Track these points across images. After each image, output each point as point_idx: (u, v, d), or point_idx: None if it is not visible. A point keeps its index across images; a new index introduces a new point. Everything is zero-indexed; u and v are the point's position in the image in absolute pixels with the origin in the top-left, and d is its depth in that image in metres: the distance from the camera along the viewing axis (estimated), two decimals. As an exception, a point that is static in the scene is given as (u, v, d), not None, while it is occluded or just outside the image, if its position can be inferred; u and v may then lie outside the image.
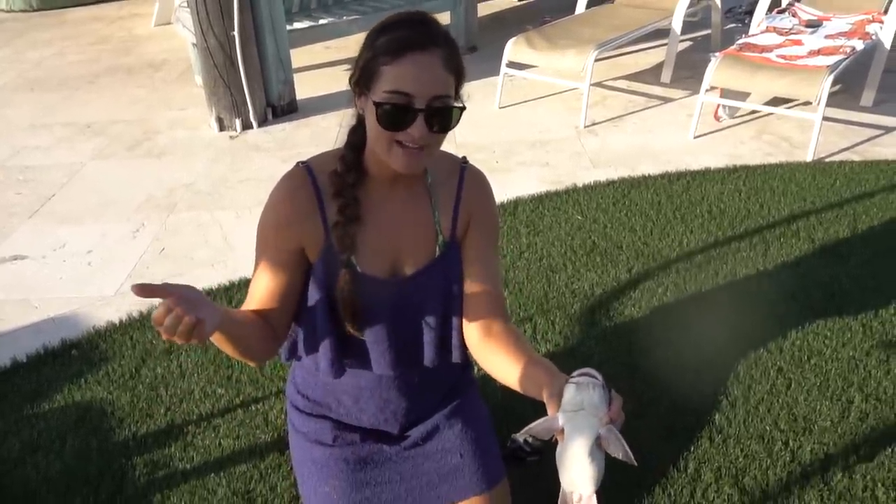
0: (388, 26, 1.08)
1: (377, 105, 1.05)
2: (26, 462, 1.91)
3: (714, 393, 2.08)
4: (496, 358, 1.18)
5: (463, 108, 1.11)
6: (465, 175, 1.26)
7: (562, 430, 0.93)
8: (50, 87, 4.96)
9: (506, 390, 2.10)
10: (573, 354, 2.26)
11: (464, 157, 1.30)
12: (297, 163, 1.21)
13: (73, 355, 2.32)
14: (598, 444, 0.92)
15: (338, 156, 1.19)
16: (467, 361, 1.50)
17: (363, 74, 1.08)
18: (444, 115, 1.08)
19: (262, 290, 1.20)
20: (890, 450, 1.86)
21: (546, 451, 1.88)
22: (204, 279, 2.71)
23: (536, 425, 0.95)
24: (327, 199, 1.17)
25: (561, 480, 0.95)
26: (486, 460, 1.34)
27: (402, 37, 1.05)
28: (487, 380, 2.17)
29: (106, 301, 2.62)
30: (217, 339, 1.10)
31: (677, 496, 1.76)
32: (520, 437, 1.89)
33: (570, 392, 0.93)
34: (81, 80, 5.10)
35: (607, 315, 2.45)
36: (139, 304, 2.57)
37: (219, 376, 2.22)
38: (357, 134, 1.17)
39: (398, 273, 1.23)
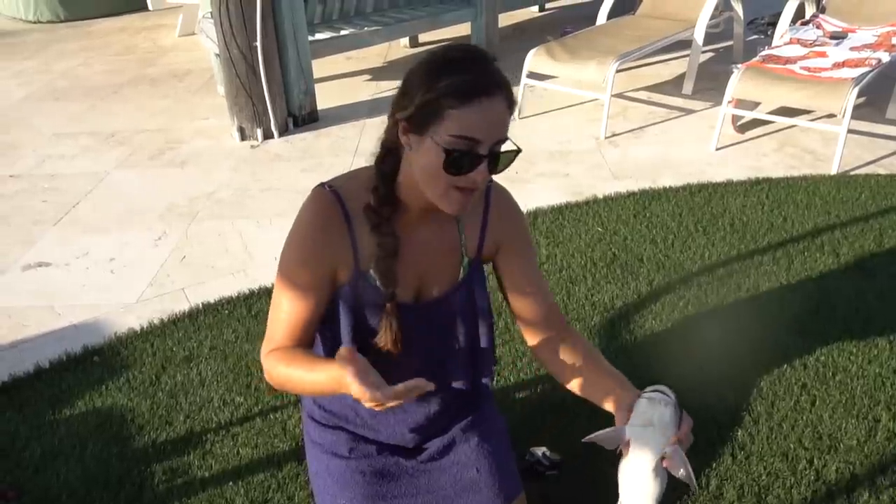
0: (449, 64, 1.04)
1: (446, 151, 1.02)
2: (47, 467, 1.93)
3: (736, 409, 2.05)
4: (563, 363, 1.20)
5: (519, 151, 1.10)
6: (491, 194, 1.26)
7: (627, 444, 0.92)
8: (76, 97, 5.04)
9: (523, 404, 2.10)
10: (593, 367, 2.23)
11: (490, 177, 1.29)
12: (324, 186, 1.18)
13: (95, 362, 2.34)
14: (661, 463, 0.91)
15: (364, 182, 1.16)
16: (492, 363, 1.50)
17: (421, 113, 1.04)
18: (506, 161, 1.08)
19: (298, 321, 1.19)
20: (918, 470, 1.82)
21: (565, 466, 1.86)
22: (224, 288, 2.73)
23: (603, 434, 0.95)
24: (357, 226, 1.16)
25: (620, 493, 0.95)
26: (503, 475, 1.33)
27: (471, 81, 1.01)
28: (506, 392, 2.17)
29: (127, 308, 2.65)
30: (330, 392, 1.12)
31: (699, 514, 1.73)
32: (538, 451, 1.88)
33: (641, 406, 0.93)
34: (106, 90, 5.18)
35: (627, 328, 2.43)
36: (160, 312, 2.59)
37: (238, 385, 2.22)
38: (388, 164, 1.15)
39: (423, 296, 1.23)
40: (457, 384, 1.30)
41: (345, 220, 1.16)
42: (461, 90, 1.01)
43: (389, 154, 1.14)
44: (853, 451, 1.88)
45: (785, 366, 2.20)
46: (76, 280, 2.85)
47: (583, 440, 1.00)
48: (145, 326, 2.52)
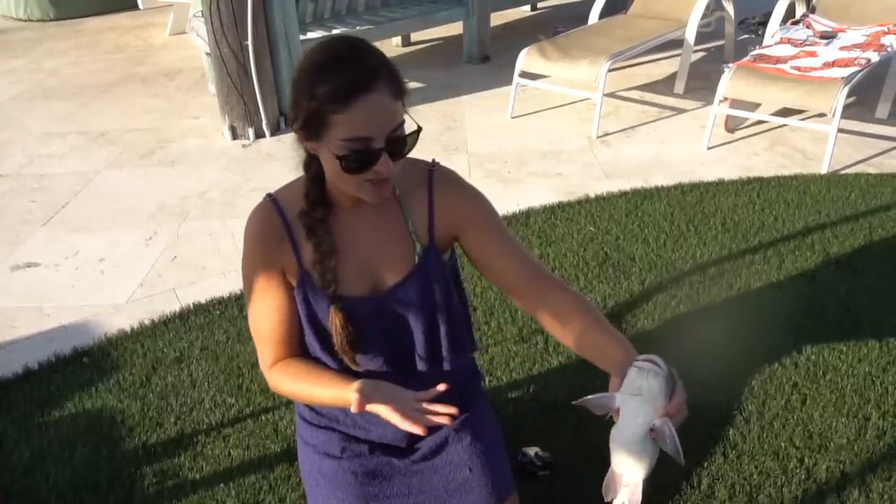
0: (325, 70, 1.03)
1: (339, 157, 1.04)
2: (35, 470, 1.91)
3: (728, 408, 2.05)
4: (556, 321, 1.16)
5: (420, 130, 1.11)
6: (433, 178, 1.24)
7: (617, 412, 0.92)
8: (65, 96, 5.01)
9: (516, 404, 2.09)
10: (585, 367, 2.23)
11: (433, 160, 1.28)
12: (266, 195, 1.23)
13: (85, 363, 2.33)
14: (651, 434, 0.90)
15: (302, 188, 1.19)
16: (476, 373, 1.49)
17: (310, 123, 1.05)
18: (404, 145, 1.08)
19: (276, 330, 1.23)
20: (908, 468, 1.82)
21: (557, 466, 1.86)
22: (215, 288, 2.72)
23: (593, 398, 0.94)
24: (297, 231, 1.19)
25: (611, 459, 0.94)
26: (496, 474, 1.32)
27: (346, 83, 1.01)
28: (498, 392, 2.16)
29: (118, 309, 2.63)
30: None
31: (690, 513, 1.73)
32: (530, 451, 1.88)
33: (630, 375, 0.93)
34: (96, 88, 5.15)
35: (619, 327, 2.43)
36: (151, 313, 2.58)
37: (229, 386, 2.21)
38: (313, 168, 1.16)
39: (378, 288, 1.23)
40: (423, 370, 1.29)
41: (284, 227, 1.19)
42: (339, 94, 1.00)
43: (313, 158, 1.15)
44: (843, 449, 1.89)
45: (776, 365, 2.21)
46: (65, 280, 2.83)
47: (573, 403, 0.99)
48: (136, 327, 2.50)
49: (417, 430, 1.02)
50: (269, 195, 1.23)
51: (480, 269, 1.25)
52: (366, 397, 1.05)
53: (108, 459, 1.95)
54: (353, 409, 1.04)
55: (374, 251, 1.21)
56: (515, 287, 1.21)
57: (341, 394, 1.12)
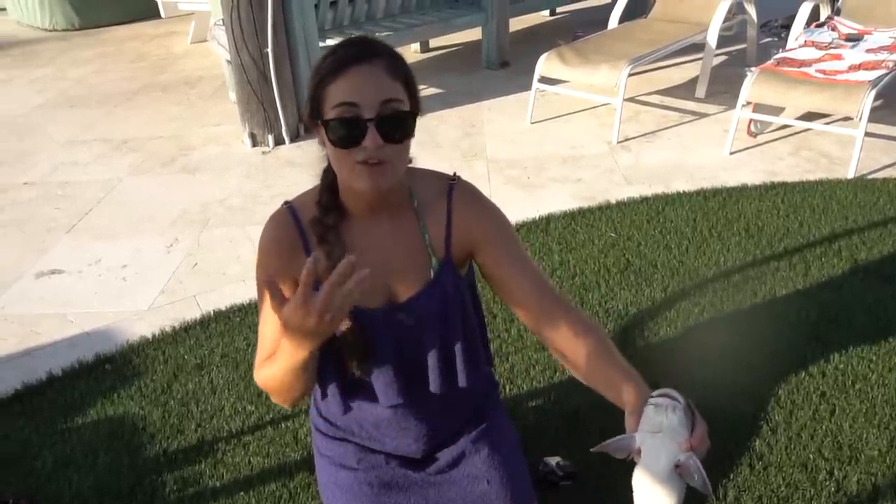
0: (329, 52, 1.08)
1: (327, 123, 1.04)
2: (59, 477, 1.92)
3: (753, 418, 2.01)
4: (566, 350, 1.13)
5: (415, 113, 1.09)
6: (453, 192, 1.22)
7: (638, 452, 0.89)
8: (90, 104, 5.07)
9: (536, 413, 2.07)
10: (607, 375, 2.21)
11: (454, 174, 1.26)
12: (283, 203, 1.22)
13: (107, 370, 2.34)
14: (676, 471, 0.87)
15: (316, 195, 1.18)
16: (492, 382, 1.47)
17: (313, 102, 1.08)
18: (396, 123, 1.05)
19: (280, 334, 1.17)
20: (942, 481, 1.78)
21: (579, 475, 1.83)
22: (236, 295, 2.72)
23: (613, 442, 0.91)
24: (311, 238, 1.17)
25: (635, 501, 0.91)
26: (515, 486, 1.30)
27: (342, 55, 1.05)
28: (519, 400, 2.14)
29: (139, 316, 2.65)
30: (300, 367, 1.07)
31: (716, 525, 1.70)
32: (552, 461, 1.85)
33: (648, 412, 0.89)
34: (120, 97, 5.21)
35: (642, 335, 2.40)
36: (172, 320, 2.59)
37: (249, 393, 2.21)
38: (330, 174, 1.16)
39: (392, 300, 1.20)
40: (433, 389, 1.24)
41: (299, 234, 1.18)
42: (334, 66, 1.04)
43: (330, 163, 1.15)
44: (875, 461, 1.85)
45: (803, 374, 2.16)
46: (88, 287, 2.86)
47: (591, 450, 0.97)
48: (157, 334, 2.51)
49: (360, 274, 0.93)
50: (286, 202, 1.22)
51: (494, 286, 1.23)
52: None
53: (129, 466, 1.95)
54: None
55: (388, 262, 1.19)
56: (527, 308, 1.19)
57: (287, 348, 1.04)
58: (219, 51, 4.72)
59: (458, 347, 1.24)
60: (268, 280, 1.00)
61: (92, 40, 6.95)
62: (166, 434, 2.07)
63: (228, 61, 4.32)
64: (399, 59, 1.08)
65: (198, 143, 4.28)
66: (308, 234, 1.17)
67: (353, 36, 1.13)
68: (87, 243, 3.20)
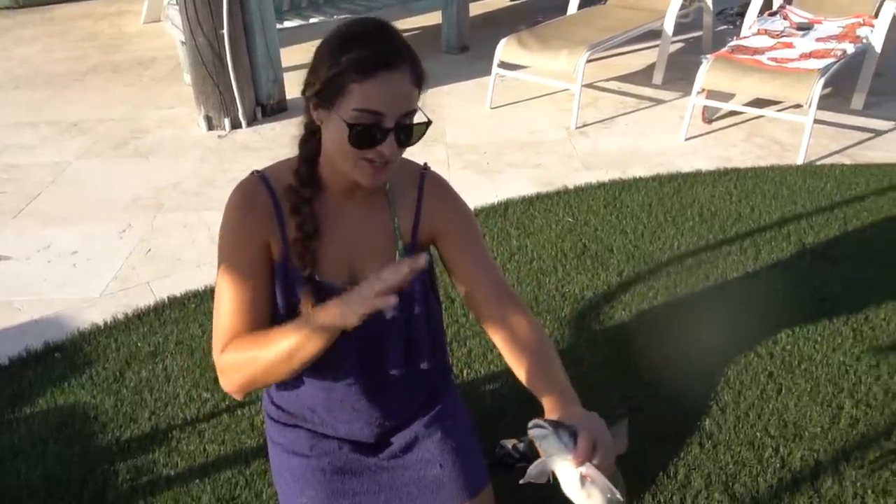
0: (352, 39, 1.05)
1: (350, 125, 1.03)
2: (6, 467, 1.88)
3: (704, 398, 2.07)
4: (509, 349, 1.16)
5: (429, 123, 1.11)
6: (425, 182, 1.25)
7: (553, 473, 0.93)
8: (36, 85, 4.91)
9: (494, 396, 2.09)
10: (563, 358, 2.22)
11: (425, 164, 1.28)
12: (252, 171, 1.20)
13: (57, 358, 2.29)
14: (587, 481, 0.91)
15: (293, 166, 1.17)
16: (445, 367, 1.48)
17: (327, 89, 1.05)
18: (412, 131, 1.08)
19: (242, 304, 1.14)
20: (879, 456, 1.85)
21: (534, 458, 1.86)
22: (191, 281, 2.68)
23: (532, 471, 0.95)
24: (284, 207, 1.16)
25: None
26: (468, 469, 1.32)
27: (371, 55, 1.02)
28: (476, 384, 2.16)
29: (91, 303, 2.59)
30: (307, 357, 1.06)
31: (667, 502, 1.74)
32: (508, 444, 1.87)
33: (535, 442, 0.94)
34: (68, 77, 5.05)
35: (597, 319, 2.43)
36: (124, 307, 2.54)
37: (204, 380, 2.19)
38: (309, 145, 1.15)
39: (356, 278, 1.20)
40: (393, 370, 1.26)
41: (272, 201, 1.16)
42: (363, 64, 1.02)
43: (312, 136, 1.15)
44: (818, 438, 1.91)
45: (752, 355, 2.23)
46: (37, 274, 2.78)
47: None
48: (109, 321, 2.46)
49: (387, 301, 0.95)
50: (256, 171, 1.20)
51: (451, 274, 1.25)
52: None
53: (80, 456, 1.91)
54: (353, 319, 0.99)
55: (356, 241, 1.20)
56: (480, 299, 1.21)
57: (307, 329, 1.04)
58: (173, 31, 4.61)
59: (421, 330, 1.26)
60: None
61: (38, 18, 6.71)
62: (119, 423, 2.03)
63: (183, 42, 4.22)
64: (419, 65, 1.08)
65: (151, 125, 4.18)
66: (281, 202, 1.16)
67: (370, 20, 1.08)
68: (35, 229, 3.10)
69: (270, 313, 1.18)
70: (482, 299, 1.21)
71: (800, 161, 3.53)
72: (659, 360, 2.22)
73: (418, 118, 1.10)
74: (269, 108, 4.24)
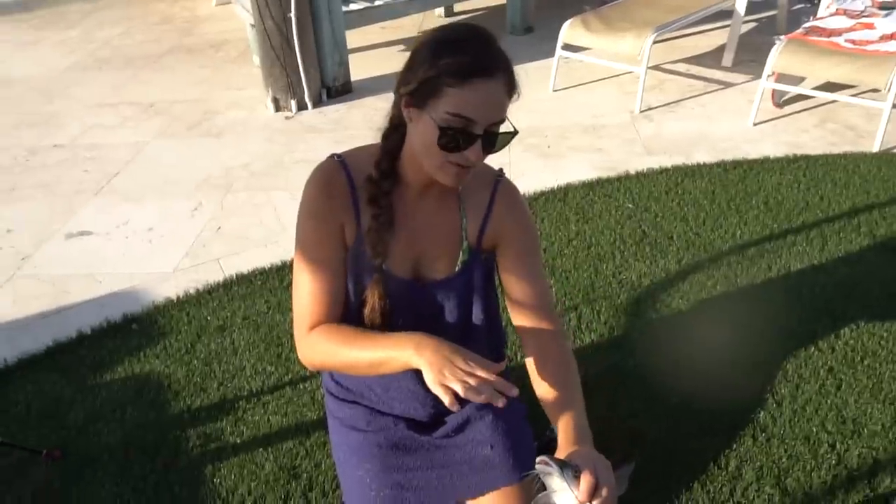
0: (453, 44, 1.07)
1: (441, 128, 1.06)
2: (90, 430, 2.03)
3: (760, 390, 2.05)
4: (537, 371, 1.22)
5: (516, 133, 1.13)
6: (498, 187, 1.28)
7: None
8: (117, 67, 5.13)
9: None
10: (617, 345, 2.25)
11: (500, 169, 1.32)
12: (332, 155, 1.24)
13: (134, 329, 2.44)
14: None
15: (372, 155, 1.21)
16: (500, 352, 1.52)
17: (422, 89, 1.08)
18: (496, 140, 1.11)
19: (322, 292, 1.21)
20: (943, 457, 1.80)
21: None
22: (257, 259, 2.80)
23: (539, 498, 1.00)
24: (361, 197, 1.20)
25: None
26: (518, 452, 1.36)
27: (470, 61, 1.05)
28: (526, 371, 2.19)
29: (165, 278, 2.73)
30: (388, 370, 1.16)
31: (716, 493, 1.75)
32: (556, 428, 1.90)
33: (541, 477, 0.98)
34: (146, 59, 5.26)
35: (654, 307, 2.43)
36: (195, 282, 2.67)
37: (269, 354, 2.29)
38: (392, 140, 1.19)
39: (420, 273, 1.26)
40: None
41: (349, 187, 1.21)
42: (461, 70, 1.04)
43: (395, 130, 1.19)
44: (877, 436, 1.88)
45: (812, 349, 2.19)
46: (116, 249, 2.95)
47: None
48: (181, 296, 2.60)
49: (445, 397, 1.01)
50: (336, 155, 1.24)
51: (501, 281, 1.31)
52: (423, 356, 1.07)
53: (155, 422, 2.05)
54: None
55: (424, 238, 1.24)
56: (522, 315, 1.26)
57: (398, 354, 1.11)
58: (242, 14, 4.73)
59: (478, 330, 1.32)
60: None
61: (118, 1, 6.98)
62: (190, 392, 2.16)
63: (252, 25, 4.34)
64: (512, 72, 1.10)
65: (222, 107, 4.33)
66: (358, 190, 1.21)
67: (470, 27, 1.10)
68: (114, 205, 3.28)
69: (344, 296, 1.24)
70: (525, 316, 1.26)
71: (875, 149, 3.39)
72: (715, 350, 2.20)
73: (505, 127, 1.12)
74: (334, 90, 4.33)
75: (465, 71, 1.04)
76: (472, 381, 1.01)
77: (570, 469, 0.95)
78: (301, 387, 2.16)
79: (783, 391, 2.04)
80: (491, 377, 1.02)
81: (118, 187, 3.44)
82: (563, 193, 3.15)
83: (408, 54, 1.14)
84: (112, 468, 1.90)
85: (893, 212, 2.87)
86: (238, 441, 1.98)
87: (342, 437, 1.40)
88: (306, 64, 4.06)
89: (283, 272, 2.70)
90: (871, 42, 3.61)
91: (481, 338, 1.35)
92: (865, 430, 1.89)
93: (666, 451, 1.86)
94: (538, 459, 0.97)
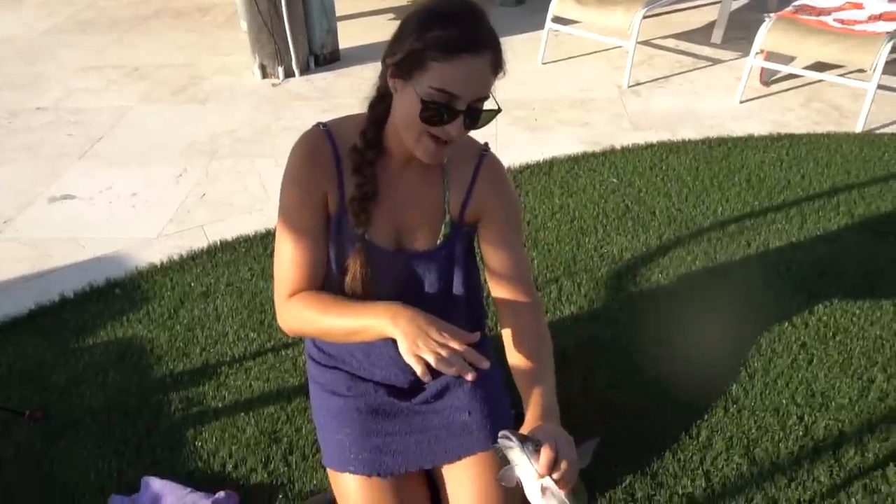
0: (441, 17, 1.07)
1: (423, 102, 1.07)
2: (72, 392, 2.04)
3: (734, 364, 2.09)
4: (512, 346, 1.25)
5: (499, 111, 1.14)
6: (483, 162, 1.29)
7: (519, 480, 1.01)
8: (101, 29, 5.05)
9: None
10: (597, 318, 2.28)
11: (485, 144, 1.33)
12: (317, 123, 1.25)
13: (117, 294, 2.44)
14: (550, 493, 0.98)
15: (358, 124, 1.22)
16: (480, 320, 1.55)
17: (408, 60, 1.08)
18: (479, 116, 1.11)
19: (303, 259, 1.23)
20: (906, 430, 1.86)
21: (560, 412, 1.93)
22: (242, 226, 2.80)
23: (503, 473, 1.02)
24: (345, 167, 1.21)
25: None
26: (496, 418, 1.39)
27: (457, 36, 1.05)
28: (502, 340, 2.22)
29: (148, 243, 2.73)
30: (365, 337, 1.19)
31: (687, 462, 1.80)
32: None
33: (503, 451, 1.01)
34: (131, 22, 5.18)
35: (634, 281, 2.46)
36: (179, 248, 2.68)
37: (252, 321, 2.31)
38: (378, 110, 1.20)
39: (402, 244, 1.28)
40: None
41: (334, 156, 1.22)
42: (447, 44, 1.04)
43: (382, 100, 1.19)
44: (844, 409, 1.93)
45: (786, 324, 2.23)
46: (100, 214, 2.94)
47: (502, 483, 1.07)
48: (165, 261, 2.60)
49: (417, 367, 1.04)
50: (321, 124, 1.25)
51: (482, 255, 1.32)
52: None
53: (137, 385, 2.07)
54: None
55: (407, 209, 1.26)
56: (501, 290, 1.28)
57: (375, 323, 1.14)
58: (230, -22, 4.66)
59: (459, 301, 1.35)
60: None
61: (104, -39, 6.84)
62: (172, 357, 2.18)
63: (239, -10, 4.28)
64: (500, 50, 1.10)
65: (208, 72, 4.29)
66: (342, 160, 1.22)
67: (468, 2, 1.10)
68: (98, 170, 3.26)
69: (326, 264, 1.26)
70: (503, 289, 1.28)
71: (858, 129, 3.42)
72: (692, 324, 2.24)
73: (489, 104, 1.12)
74: (322, 58, 4.29)
75: (451, 46, 1.04)
76: (444, 353, 1.03)
77: (530, 443, 0.98)
78: (283, 353, 2.18)
79: (756, 365, 2.08)
80: (463, 349, 1.04)
81: (102, 152, 3.42)
82: (548, 167, 3.17)
83: (397, 23, 1.14)
84: (94, 430, 1.92)
85: (872, 192, 2.90)
86: (220, 405, 2.01)
87: (323, 402, 1.42)
88: (294, 31, 4.02)
89: (267, 240, 2.71)
90: (859, 22, 3.62)
91: (462, 309, 1.37)
92: (833, 404, 1.95)
93: (640, 421, 1.90)
94: (500, 434, 0.99)
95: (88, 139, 3.53)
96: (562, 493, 0.97)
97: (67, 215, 2.93)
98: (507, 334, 1.26)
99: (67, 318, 2.33)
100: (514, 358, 1.23)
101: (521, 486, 1.01)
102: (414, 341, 1.05)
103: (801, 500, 1.69)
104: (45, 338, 2.25)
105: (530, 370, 1.20)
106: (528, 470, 0.98)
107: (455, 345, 1.05)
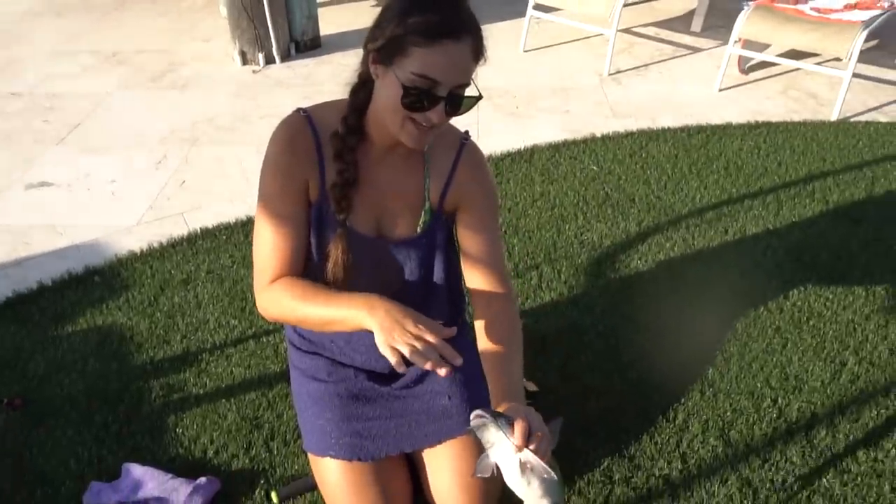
0: (421, 4, 1.07)
1: (405, 88, 1.07)
2: (51, 380, 2.03)
3: (710, 348, 2.13)
4: (486, 333, 1.25)
5: (480, 97, 1.14)
6: (463, 150, 1.30)
7: (496, 465, 1.00)
8: (77, 13, 4.98)
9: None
10: (576, 304, 2.31)
11: (466, 132, 1.33)
12: (298, 109, 1.24)
13: (96, 281, 2.43)
14: (527, 468, 0.97)
15: (339, 111, 1.22)
16: (459, 308, 1.56)
17: (389, 46, 1.08)
18: (461, 103, 1.12)
19: (283, 246, 1.22)
20: (875, 412, 1.91)
21: (540, 396, 1.96)
22: (222, 214, 2.79)
23: (479, 465, 1.02)
24: (326, 153, 1.21)
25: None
26: (475, 402, 1.41)
27: (438, 22, 1.05)
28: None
29: (128, 231, 2.71)
30: (341, 328, 1.18)
31: (664, 444, 1.83)
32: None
33: (478, 434, 1.00)
34: (108, 5, 5.10)
35: (613, 267, 2.49)
36: (159, 236, 2.66)
37: (233, 308, 2.31)
38: (360, 96, 1.20)
39: (383, 231, 1.28)
40: None
41: (314, 142, 1.22)
42: (428, 30, 1.05)
43: (363, 86, 1.19)
44: (816, 391, 1.97)
45: (762, 309, 2.27)
46: (78, 201, 2.91)
47: (473, 475, 1.05)
48: (145, 249, 2.59)
49: (392, 359, 1.04)
50: (301, 110, 1.24)
51: (459, 242, 1.33)
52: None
53: (117, 373, 2.06)
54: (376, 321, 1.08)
55: (387, 196, 1.26)
56: (476, 277, 1.29)
57: (351, 314, 1.13)
58: (209, -38, 4.61)
59: (439, 289, 1.35)
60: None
61: (79, -56, 6.72)
62: (153, 344, 2.17)
63: (218, -26, 4.23)
64: (481, 36, 1.10)
65: (187, 58, 4.24)
66: (323, 146, 1.21)
67: None
68: (75, 157, 3.23)
69: (305, 251, 1.26)
70: (478, 277, 1.29)
71: (834, 117, 3.47)
72: (669, 309, 2.28)
73: (471, 90, 1.13)
74: (302, 45, 4.26)
75: (432, 31, 1.04)
76: (419, 345, 1.03)
77: (503, 418, 0.98)
78: (264, 340, 2.18)
79: (732, 349, 2.12)
80: (437, 342, 1.04)
81: (79, 138, 3.38)
82: (529, 154, 3.18)
83: (378, 10, 1.14)
84: (74, 417, 1.91)
85: (846, 179, 2.95)
86: (201, 392, 2.01)
87: (303, 387, 1.43)
88: (274, 16, 3.98)
89: (247, 227, 2.70)
90: (835, 10, 3.66)
91: (442, 297, 1.39)
92: (806, 386, 1.99)
93: (618, 404, 1.93)
94: (473, 414, 0.99)
95: (65, 125, 3.49)
96: (542, 463, 0.96)
97: (45, 202, 2.90)
98: (480, 322, 1.27)
99: (46, 305, 2.32)
100: (485, 343, 1.24)
101: (499, 473, 1.01)
102: (390, 333, 1.05)
103: (774, 480, 1.73)
104: (22, 325, 2.23)
105: (498, 354, 1.21)
106: (506, 446, 0.97)
107: (430, 338, 1.04)
